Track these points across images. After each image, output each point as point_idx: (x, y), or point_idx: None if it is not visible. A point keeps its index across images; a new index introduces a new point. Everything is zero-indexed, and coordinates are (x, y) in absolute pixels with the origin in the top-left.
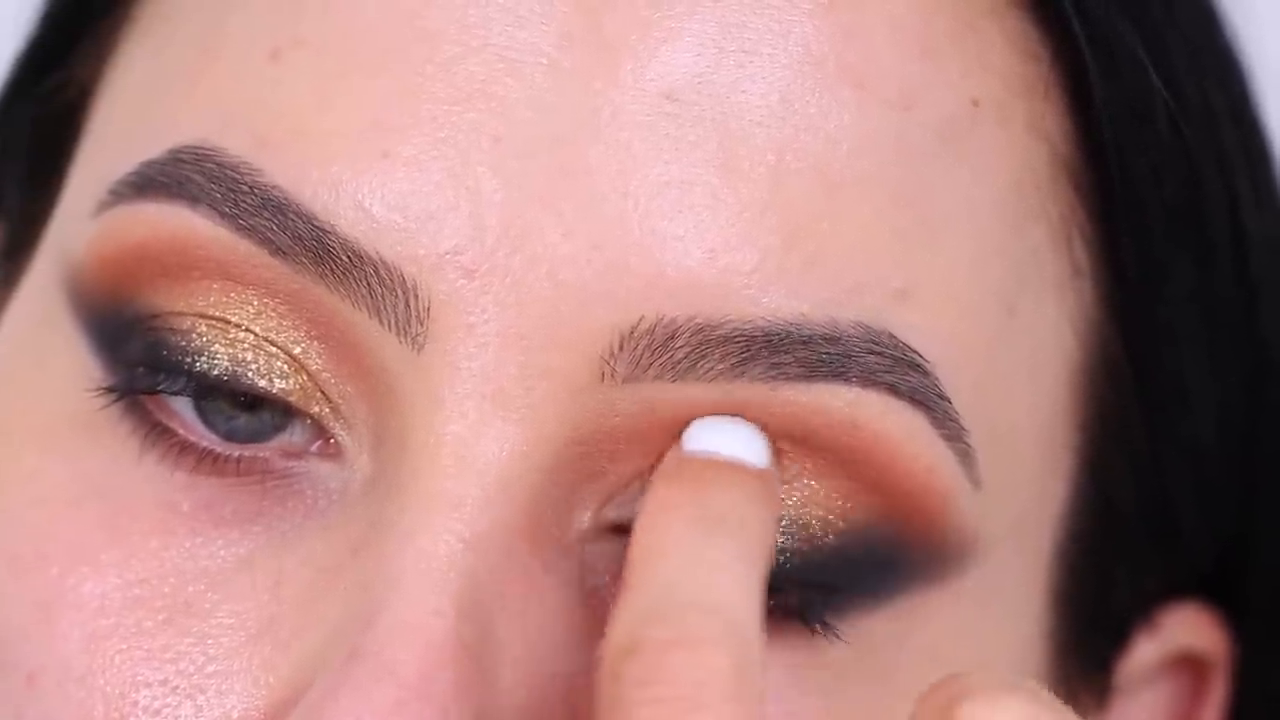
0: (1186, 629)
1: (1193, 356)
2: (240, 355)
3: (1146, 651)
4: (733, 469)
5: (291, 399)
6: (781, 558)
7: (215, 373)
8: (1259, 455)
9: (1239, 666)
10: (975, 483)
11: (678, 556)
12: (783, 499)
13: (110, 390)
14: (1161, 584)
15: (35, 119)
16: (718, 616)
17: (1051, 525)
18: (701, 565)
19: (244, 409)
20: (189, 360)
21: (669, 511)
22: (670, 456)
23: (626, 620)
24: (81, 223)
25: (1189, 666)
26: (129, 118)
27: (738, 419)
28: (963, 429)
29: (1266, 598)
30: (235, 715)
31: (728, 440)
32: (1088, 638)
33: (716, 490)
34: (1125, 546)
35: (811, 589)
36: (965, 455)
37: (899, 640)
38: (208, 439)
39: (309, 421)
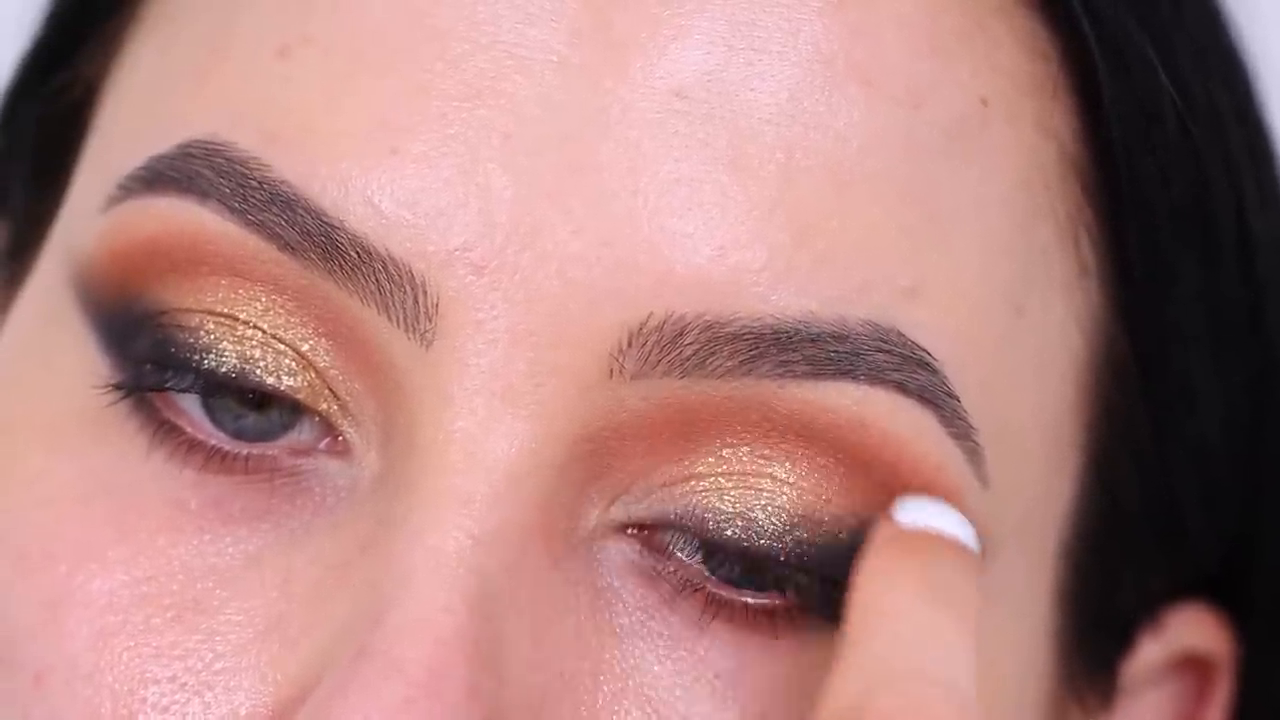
0: (1191, 629)
1: (1198, 356)
2: (248, 352)
3: (1151, 652)
4: (954, 547)
5: (299, 396)
6: (798, 549)
7: (223, 370)
8: (1264, 455)
9: (1243, 666)
10: (983, 481)
11: (905, 623)
12: (789, 496)
13: (118, 387)
14: (1166, 584)
15: (41, 118)
16: (950, 692)
17: (1057, 524)
18: (929, 635)
19: (252, 407)
20: (197, 357)
21: (895, 577)
22: (887, 526)
23: (853, 681)
24: (90, 219)
25: (1193, 667)
26: (137, 114)
27: (943, 501)
28: (971, 427)
29: (1270, 598)
30: (243, 712)
31: (943, 519)
32: (1093, 638)
33: (942, 564)
34: (1130, 546)
35: (826, 582)
36: (973, 453)
37: None
38: (216, 437)
39: (317, 419)
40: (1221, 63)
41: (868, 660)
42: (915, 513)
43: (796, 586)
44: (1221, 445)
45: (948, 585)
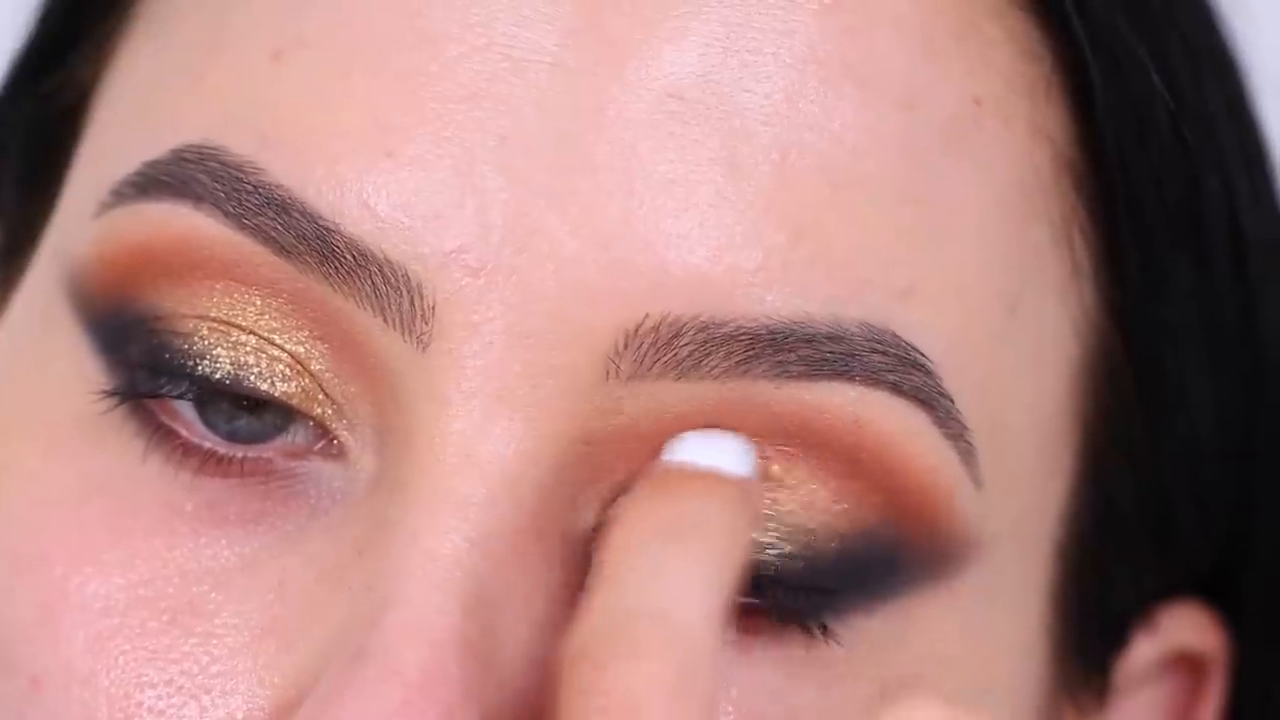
0: (1184, 627)
1: (1191, 356)
2: (242, 359)
3: (1145, 650)
4: (703, 477)
5: (293, 401)
6: (782, 560)
7: (217, 376)
8: (1256, 454)
9: (1236, 665)
10: (977, 482)
11: (633, 566)
12: (781, 502)
13: (113, 394)
14: (1160, 583)
15: (33, 121)
16: (663, 623)
17: (1051, 524)
18: (658, 575)
19: (245, 411)
20: (191, 363)
21: (633, 521)
22: (648, 468)
23: (581, 628)
24: (83, 223)
25: (1186, 665)
26: (130, 118)
27: (726, 431)
28: (965, 428)
29: (1262, 595)
30: (240, 716)
31: (707, 450)
32: (1087, 638)
33: (682, 499)
34: (1124, 545)
35: (813, 592)
36: (967, 454)
37: (899, 640)
38: (211, 440)
39: (311, 423)
40: (1214, 62)
41: (594, 607)
42: (676, 450)
43: (782, 594)
44: (1213, 444)
45: (687, 517)
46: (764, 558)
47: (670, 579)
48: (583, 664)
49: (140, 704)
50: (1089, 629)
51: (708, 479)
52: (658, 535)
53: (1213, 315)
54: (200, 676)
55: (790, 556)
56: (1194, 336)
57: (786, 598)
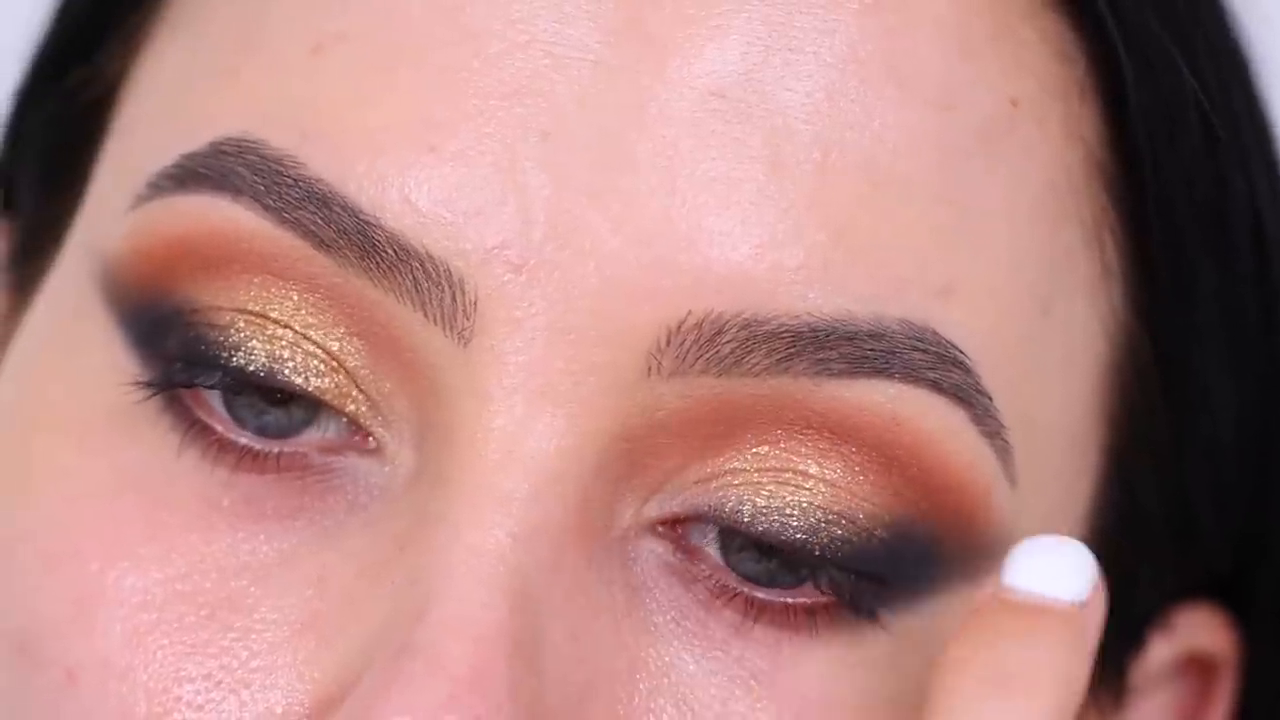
0: (1197, 629)
1: (1215, 356)
2: (278, 352)
3: (1161, 652)
4: (1033, 615)
5: (326, 397)
6: (832, 545)
7: (252, 369)
8: (1272, 455)
9: (1247, 665)
10: (1012, 480)
11: (956, 715)
12: (824, 493)
13: (147, 385)
14: (1178, 584)
15: (56, 117)
16: None
17: (1078, 523)
18: None
19: (274, 405)
20: (226, 355)
21: (959, 667)
22: (982, 593)
23: None
24: (116, 217)
25: (1198, 666)
26: (164, 112)
27: (1062, 541)
28: (1002, 426)
29: (1275, 597)
30: (279, 710)
31: (1041, 570)
32: (1107, 637)
33: (1007, 642)
34: (1146, 545)
35: (862, 579)
36: (1004, 452)
37: (935, 635)
38: (245, 436)
39: (344, 419)
40: (1234, 64)
41: None
42: (1010, 569)
43: (832, 583)
44: (1233, 444)
45: (1017, 667)
46: (813, 540)
47: None
48: None
49: (179, 698)
50: (1110, 628)
51: (1037, 615)
52: (983, 684)
53: (1236, 316)
54: (239, 671)
55: (837, 540)
56: (1218, 337)
57: (838, 584)
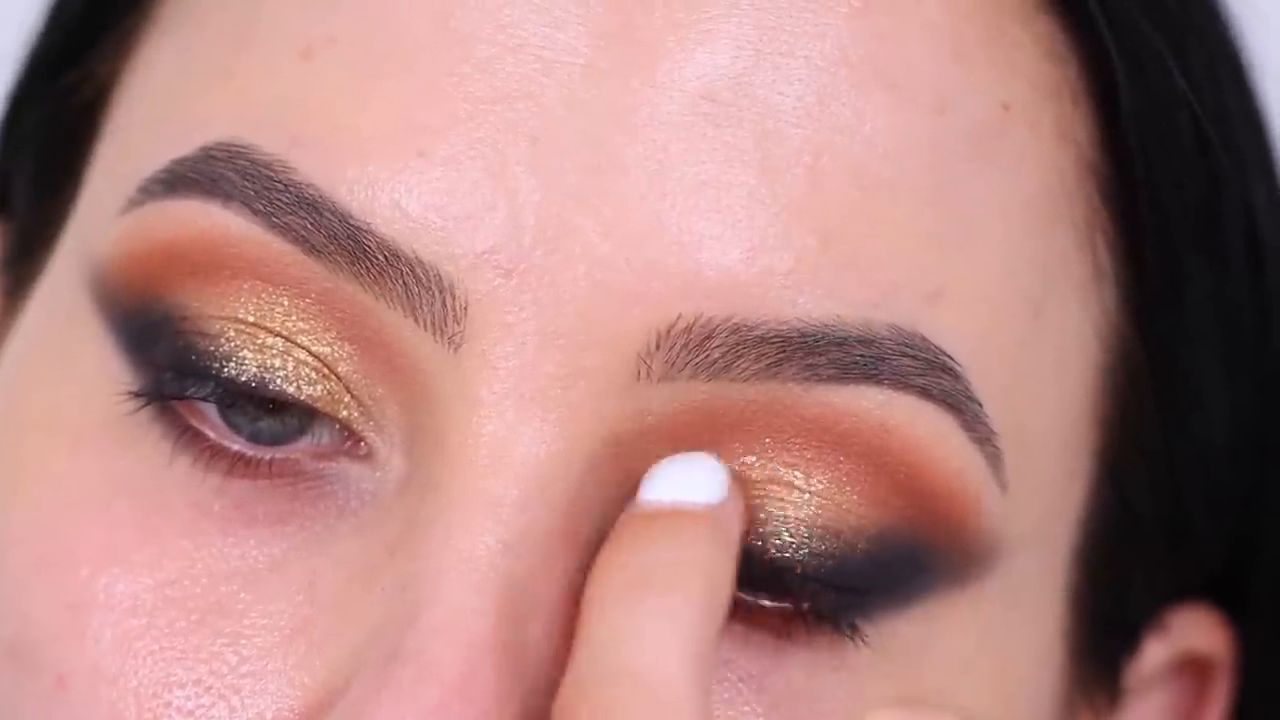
0: (1193, 630)
1: (1208, 359)
2: (268, 361)
3: (1156, 653)
4: (667, 517)
5: (318, 405)
6: (814, 562)
7: (243, 379)
8: (1266, 457)
9: (1242, 665)
10: (1002, 485)
11: (607, 624)
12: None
13: (138, 395)
14: (1172, 585)
15: (48, 119)
16: (637, 687)
17: (1070, 527)
18: (628, 633)
19: (269, 412)
20: (217, 365)
21: (604, 574)
22: (622, 515)
23: (562, 695)
24: (107, 221)
25: (1193, 667)
26: (155, 115)
27: (693, 455)
28: (992, 432)
29: (1270, 598)
30: (269, 716)
31: (672, 483)
32: (1102, 640)
33: (646, 545)
34: (1140, 548)
35: (843, 592)
36: (994, 459)
37: (924, 642)
38: (238, 442)
39: (336, 425)
40: (1228, 65)
41: (571, 670)
42: (645, 488)
43: (812, 596)
44: (1227, 446)
45: (655, 565)
46: (795, 558)
47: (637, 636)
48: None
49: (169, 704)
50: (1104, 631)
51: (673, 518)
52: (627, 588)
53: (1229, 317)
54: (229, 676)
55: (820, 556)
56: (1211, 338)
57: (818, 599)
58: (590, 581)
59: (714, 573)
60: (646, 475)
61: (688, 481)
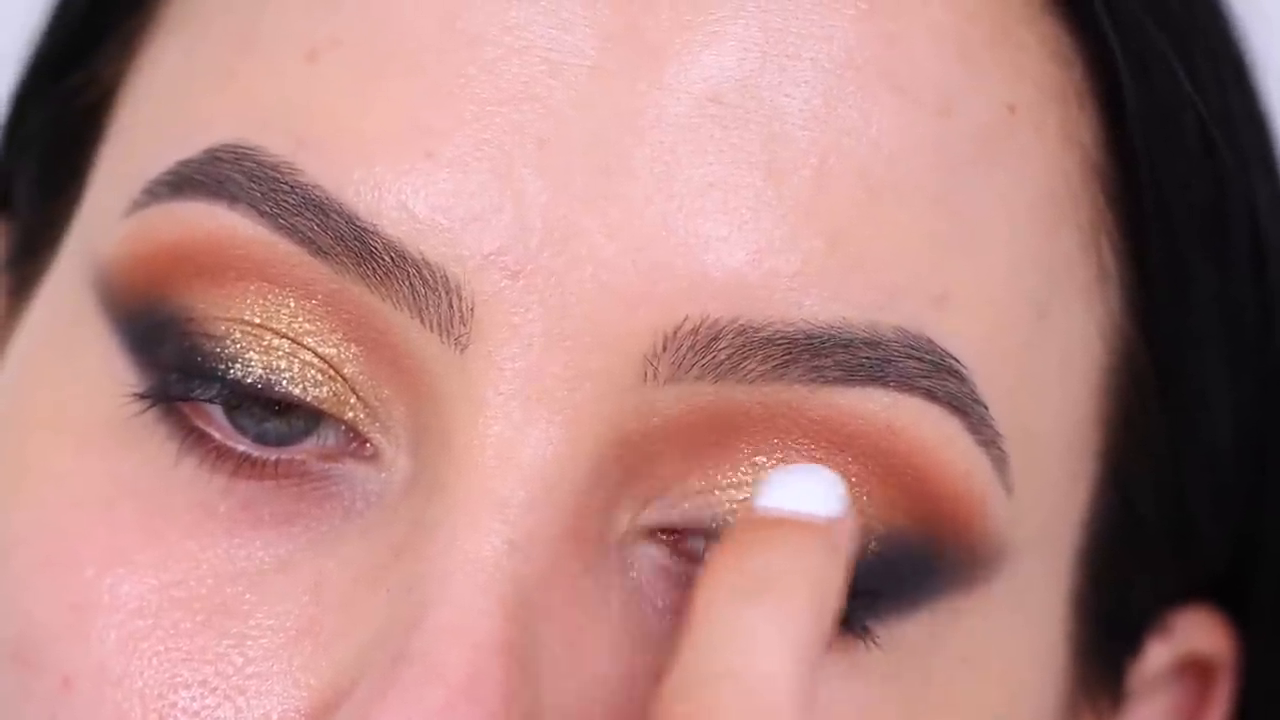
0: (1195, 632)
1: (1212, 360)
2: (274, 363)
3: (1159, 655)
4: (785, 526)
5: (324, 406)
6: None
7: (249, 380)
8: (1270, 458)
9: (1245, 667)
10: (1008, 488)
11: (714, 626)
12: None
13: (144, 396)
14: (1176, 587)
15: (53, 120)
16: (738, 688)
17: (1074, 529)
18: (734, 635)
19: (275, 414)
20: (223, 367)
21: (717, 578)
22: (738, 516)
23: (661, 692)
24: (112, 223)
25: (1195, 669)
26: (159, 117)
27: (812, 467)
28: (997, 434)
29: (1272, 599)
30: (275, 717)
31: (791, 492)
32: (1105, 641)
33: (761, 552)
34: (1143, 549)
35: (854, 593)
36: (999, 461)
37: (931, 645)
38: (243, 443)
39: (342, 427)
40: (1232, 66)
41: (674, 672)
42: (761, 492)
43: None
44: (1231, 448)
45: (767, 571)
46: None
47: (748, 639)
48: None
49: (174, 704)
50: (1107, 633)
51: (790, 527)
52: (736, 594)
53: (1234, 319)
54: (235, 677)
55: None
56: (1215, 340)
57: None
58: (701, 582)
59: (826, 584)
60: (764, 481)
61: (805, 492)
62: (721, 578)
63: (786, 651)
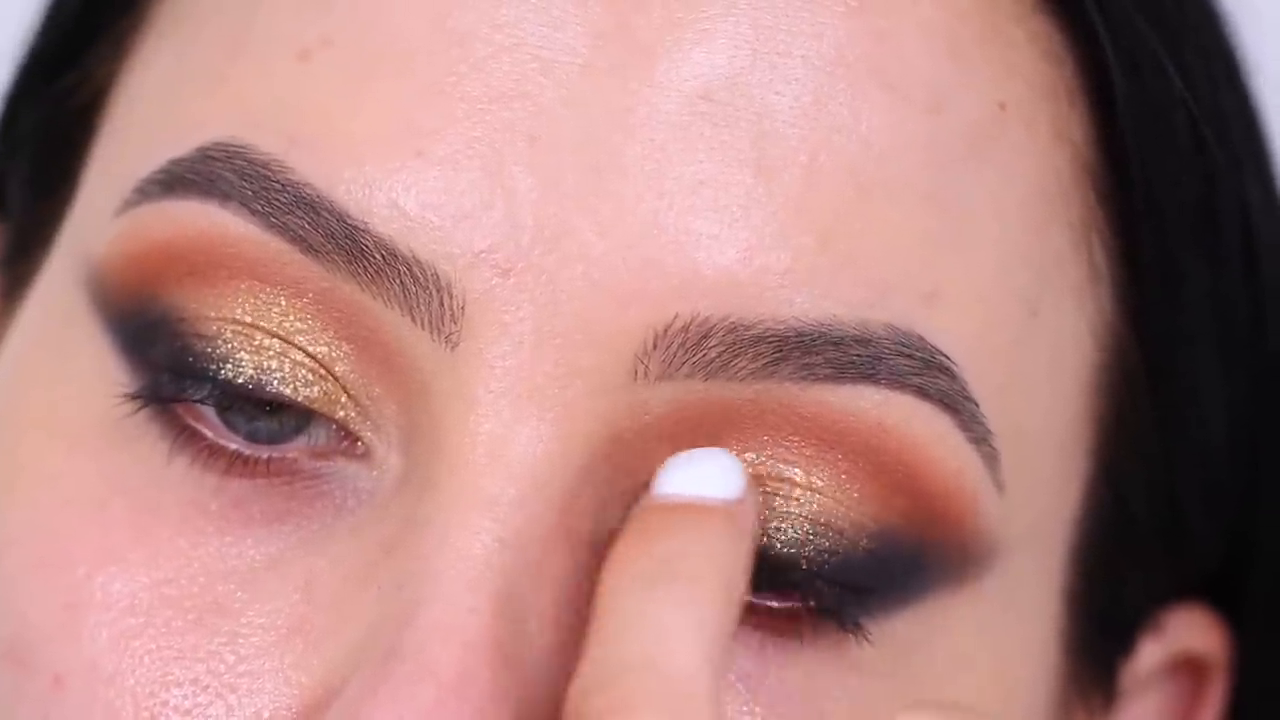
0: (1188, 630)
1: (1205, 359)
2: (265, 363)
3: (1151, 654)
4: (686, 510)
5: (315, 405)
6: (819, 558)
7: (240, 380)
8: (1263, 457)
9: (1238, 665)
10: (999, 486)
11: (622, 615)
12: (811, 500)
13: (135, 397)
14: (1168, 585)
15: (45, 119)
16: (651, 675)
17: (1066, 527)
18: (644, 624)
19: (265, 412)
20: (214, 367)
21: (623, 566)
22: (636, 507)
23: (575, 685)
24: (103, 222)
25: (1188, 667)
26: (152, 117)
27: (710, 450)
28: (989, 431)
29: (1266, 598)
30: (266, 715)
31: (688, 477)
32: (1097, 640)
33: (664, 538)
34: (1135, 548)
35: (847, 589)
36: (990, 458)
37: (922, 641)
38: (235, 441)
39: (333, 425)
40: (1224, 64)
41: (585, 662)
42: (660, 481)
43: (818, 594)
44: (1223, 446)
45: (669, 558)
46: (801, 553)
47: (655, 627)
48: None
49: (166, 703)
50: (1100, 631)
51: (688, 511)
52: (640, 580)
53: (1226, 316)
54: (227, 675)
55: (824, 552)
56: (1207, 338)
57: (822, 596)
58: (605, 572)
59: (731, 567)
60: (661, 468)
61: (704, 476)
62: (625, 566)
63: (696, 637)
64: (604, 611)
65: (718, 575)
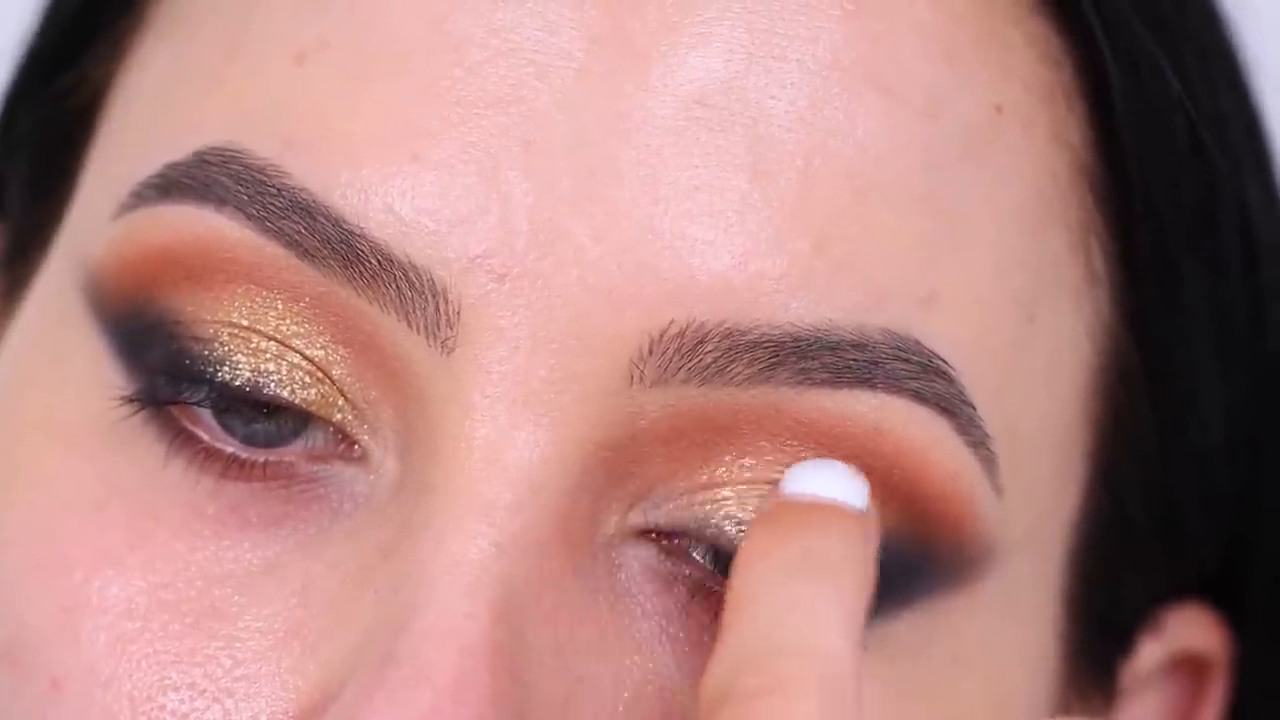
0: (1188, 630)
1: (1203, 361)
2: (262, 365)
3: (1151, 653)
4: (830, 511)
5: (312, 408)
6: None
7: (237, 383)
8: (1262, 457)
9: (1239, 664)
10: (997, 489)
11: (771, 602)
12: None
13: (132, 399)
14: (1167, 586)
15: (43, 121)
16: (809, 660)
17: (1065, 529)
18: (795, 610)
19: (263, 415)
20: (211, 370)
21: (765, 556)
22: (770, 500)
23: (720, 668)
24: (100, 225)
25: (1189, 667)
26: (148, 119)
27: (838, 463)
28: (986, 435)
29: (1266, 597)
30: (264, 719)
31: (827, 482)
32: (1096, 640)
33: (812, 533)
34: (1134, 549)
35: None
36: (988, 461)
37: (921, 645)
38: (231, 444)
39: (330, 428)
40: (1224, 65)
41: (731, 645)
42: (796, 480)
43: None
44: (1222, 448)
45: (815, 551)
46: None
47: (808, 614)
48: (729, 703)
49: (163, 706)
50: (1098, 632)
51: (833, 512)
52: (789, 569)
53: (1224, 318)
54: (224, 679)
55: None
56: (1206, 341)
57: None
58: (745, 560)
59: (866, 570)
60: (791, 470)
61: (834, 484)
62: (772, 556)
63: (844, 626)
64: (747, 598)
65: (855, 572)
